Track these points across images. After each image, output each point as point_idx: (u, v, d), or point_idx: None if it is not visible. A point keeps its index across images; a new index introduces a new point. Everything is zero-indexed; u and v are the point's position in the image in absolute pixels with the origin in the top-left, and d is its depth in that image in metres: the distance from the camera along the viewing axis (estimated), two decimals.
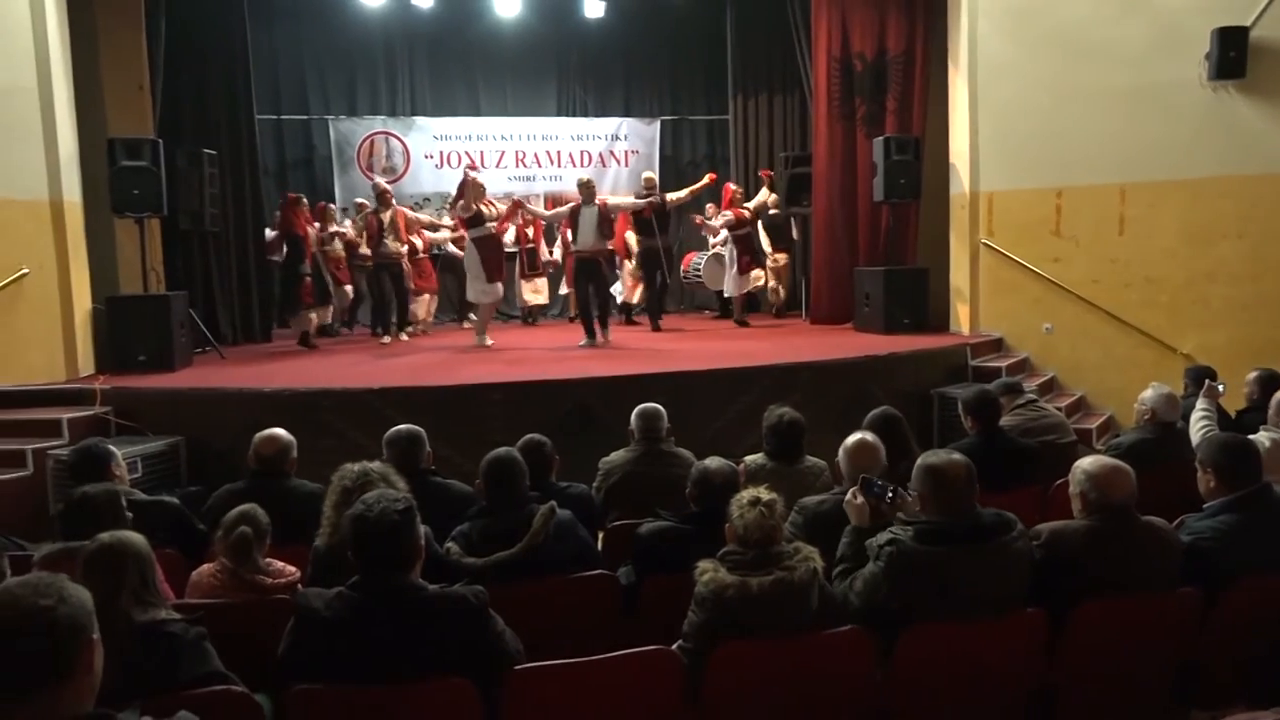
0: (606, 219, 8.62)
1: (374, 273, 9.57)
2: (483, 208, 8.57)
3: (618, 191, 12.87)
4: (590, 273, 8.49)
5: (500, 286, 8.89)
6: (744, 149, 12.00)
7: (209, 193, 8.59)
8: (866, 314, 9.05)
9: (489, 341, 8.72)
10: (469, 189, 8.45)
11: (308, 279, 9.28)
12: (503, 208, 9.14)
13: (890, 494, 2.96)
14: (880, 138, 8.99)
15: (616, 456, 4.35)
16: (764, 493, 2.75)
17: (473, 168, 10.45)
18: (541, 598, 3.06)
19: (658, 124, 13.04)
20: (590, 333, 8.57)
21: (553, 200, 12.26)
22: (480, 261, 8.53)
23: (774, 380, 6.66)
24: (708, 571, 2.67)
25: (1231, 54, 7.73)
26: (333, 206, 10.42)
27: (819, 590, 2.67)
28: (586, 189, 8.62)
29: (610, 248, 9.01)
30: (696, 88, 13.14)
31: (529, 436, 4.00)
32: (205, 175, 8.53)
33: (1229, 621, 2.90)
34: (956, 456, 2.90)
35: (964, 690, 2.73)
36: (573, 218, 8.69)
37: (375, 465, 3.17)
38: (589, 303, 8.59)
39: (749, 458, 4.15)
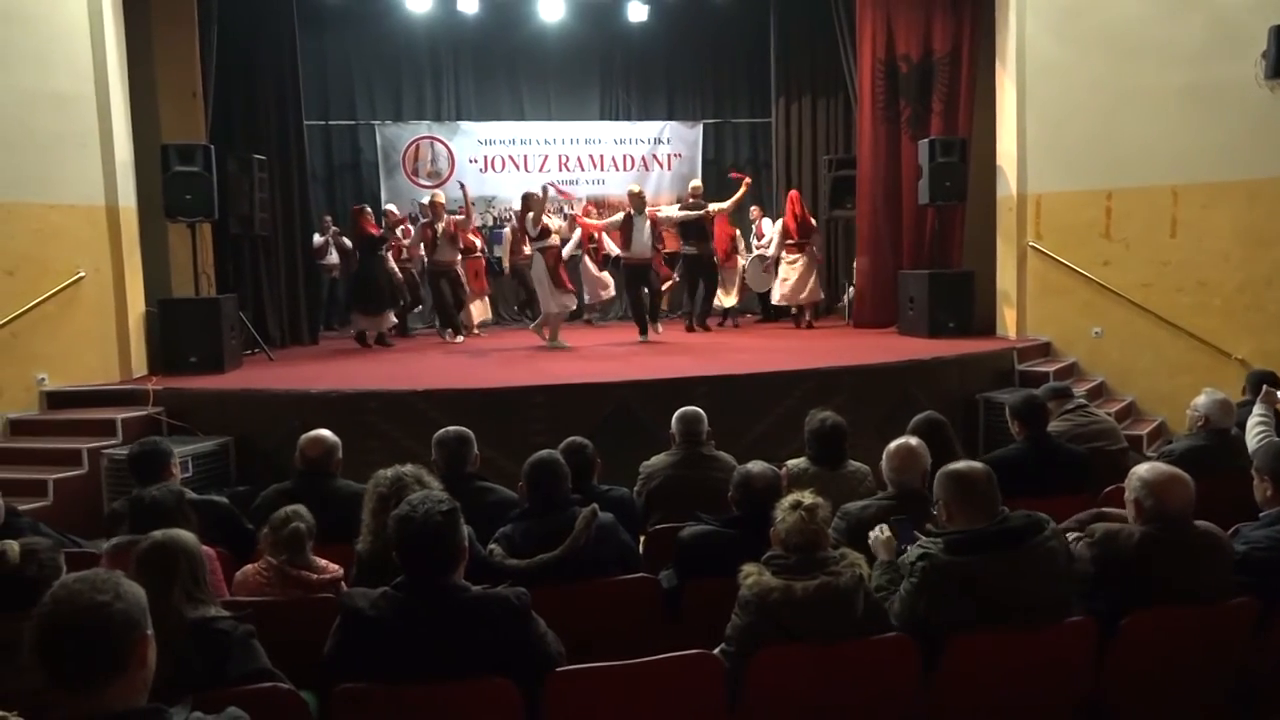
0: (656, 228, 9.06)
1: (433, 279, 9.85)
2: (546, 220, 8.85)
3: (660, 196, 12.92)
4: (642, 277, 9.09)
5: (573, 297, 9.03)
6: (787, 152, 11.94)
7: (259, 197, 8.74)
8: (910, 317, 8.96)
9: (568, 344, 8.91)
10: (534, 204, 8.68)
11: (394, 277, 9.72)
12: (560, 221, 9.39)
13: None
14: (925, 140, 8.90)
15: (657, 460, 4.35)
16: (807, 497, 2.73)
17: (558, 192, 10.62)
18: (583, 600, 3.07)
19: (700, 127, 13.03)
20: (644, 330, 9.12)
21: (593, 204, 12.33)
22: (548, 272, 8.67)
23: (816, 384, 6.62)
24: (752, 575, 2.66)
25: None
26: (394, 211, 10.60)
27: (864, 597, 2.65)
28: (638, 200, 9.03)
29: (656, 253, 9.32)
30: (739, 91, 13.11)
31: (571, 439, 4.01)
32: (255, 180, 8.67)
33: None
34: (975, 463, 2.89)
35: (1011, 702, 2.68)
36: (625, 227, 9.01)
37: (408, 468, 3.19)
38: (642, 304, 9.18)
39: (791, 462, 4.12)
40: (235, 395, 6.58)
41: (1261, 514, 3.12)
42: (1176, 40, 7.94)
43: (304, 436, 4.12)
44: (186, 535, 2.59)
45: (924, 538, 2.82)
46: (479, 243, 10.75)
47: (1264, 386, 4.83)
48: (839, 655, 2.58)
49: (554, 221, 9.08)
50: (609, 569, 3.19)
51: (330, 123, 12.12)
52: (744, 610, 2.65)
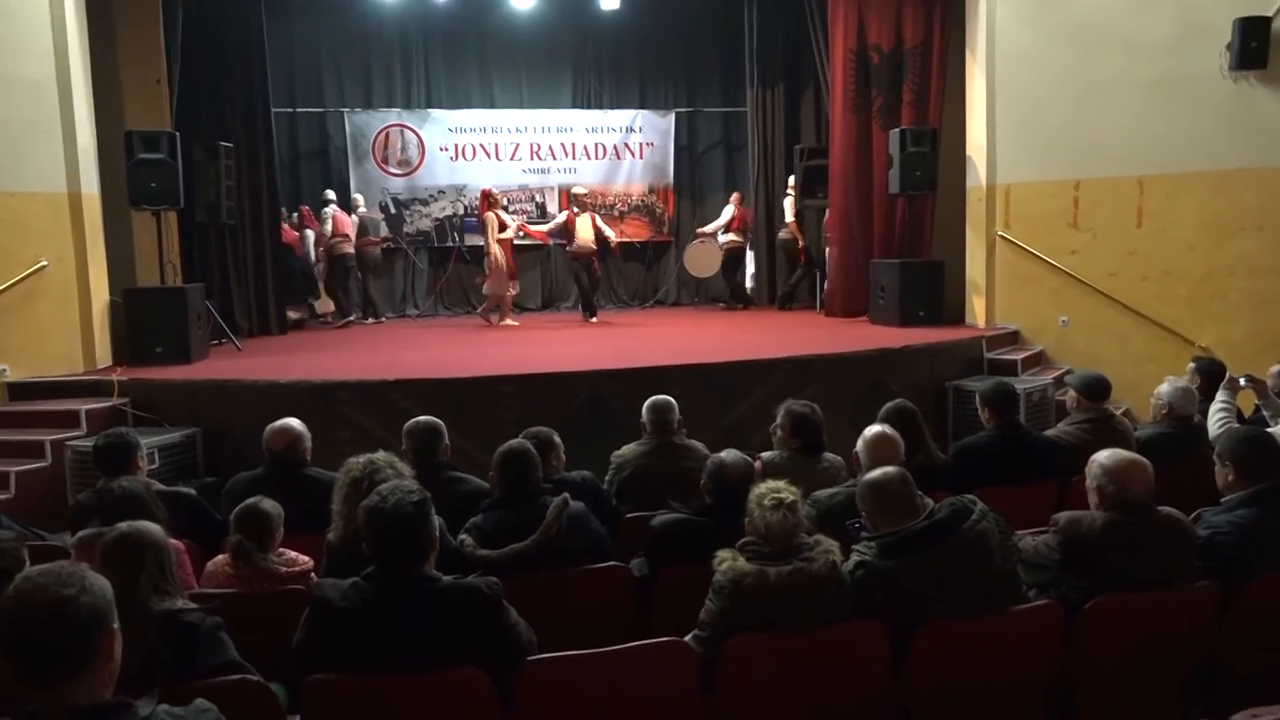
0: (598, 226, 10.42)
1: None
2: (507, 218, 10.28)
3: (632, 185, 12.93)
4: (585, 267, 10.48)
5: (516, 283, 10.57)
6: (760, 141, 11.96)
7: (225, 185, 8.62)
8: (881, 306, 9.02)
9: (516, 322, 10.38)
10: (494, 202, 10.23)
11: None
12: (511, 219, 10.61)
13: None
14: (896, 130, 8.94)
15: (628, 450, 4.35)
16: (786, 491, 2.74)
17: (527, 233, 11.20)
18: (555, 589, 3.07)
19: (673, 116, 13.01)
20: (590, 311, 10.68)
21: (566, 193, 12.38)
22: (507, 263, 10.18)
23: (788, 373, 6.65)
24: (726, 560, 2.67)
25: (1253, 44, 7.65)
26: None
27: (837, 583, 2.67)
28: (581, 200, 10.62)
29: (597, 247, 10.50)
30: (712, 80, 13.09)
31: (533, 429, 4.00)
32: (222, 168, 8.56)
33: (1246, 617, 2.87)
34: (888, 467, 2.96)
35: (981, 686, 2.71)
36: (569, 225, 10.35)
37: (380, 455, 3.18)
38: (588, 289, 10.68)
39: (766, 454, 4.13)
40: (203, 386, 6.50)
41: (1223, 499, 3.17)
42: (1144, 32, 8.03)
43: (270, 427, 4.08)
44: (153, 527, 2.56)
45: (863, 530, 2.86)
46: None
47: (1227, 374, 4.92)
48: (812, 641, 2.60)
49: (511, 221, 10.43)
50: (581, 558, 3.19)
51: (298, 110, 11.96)
52: (718, 595, 2.67)
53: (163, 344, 7.27)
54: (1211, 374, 5.08)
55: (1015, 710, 2.79)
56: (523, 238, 10.99)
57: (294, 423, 4.12)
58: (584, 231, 10.26)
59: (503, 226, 10.08)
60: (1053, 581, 2.88)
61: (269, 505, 3.26)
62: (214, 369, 7.13)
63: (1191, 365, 5.39)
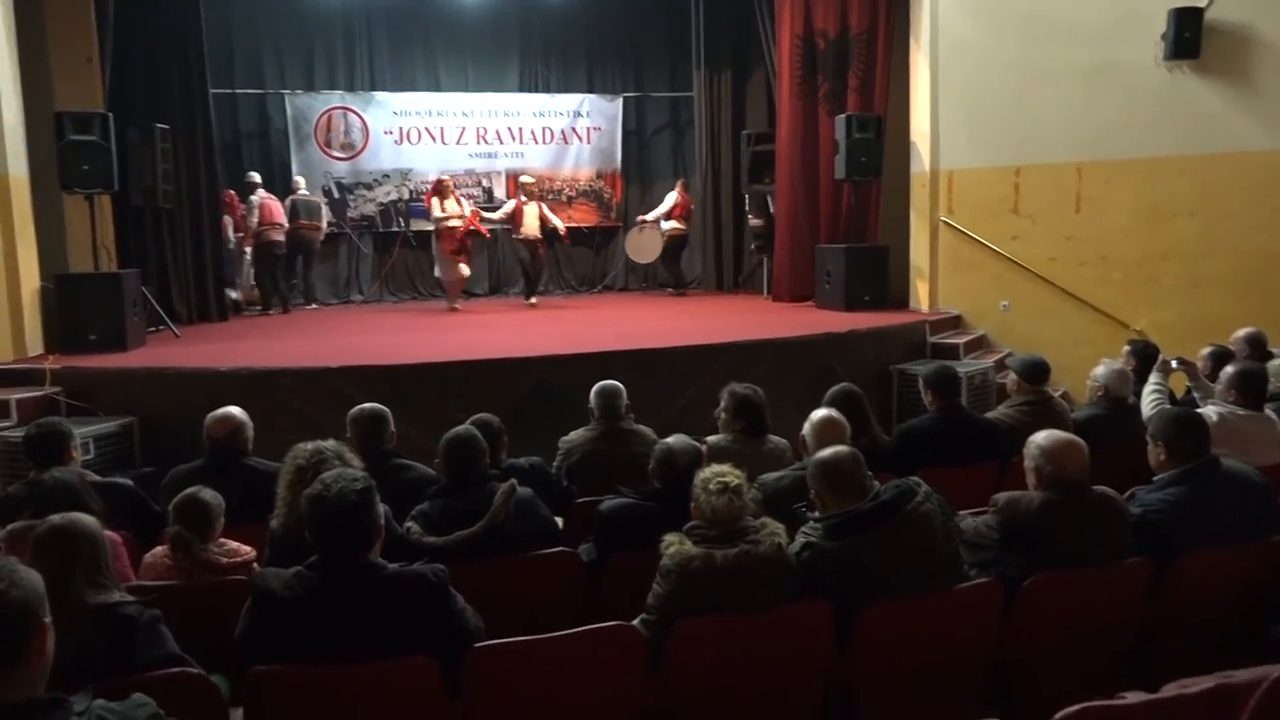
0: (544, 213, 10.60)
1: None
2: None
3: (580, 170, 12.87)
4: (530, 253, 10.71)
5: (467, 267, 10.65)
6: (707, 126, 11.97)
7: (162, 168, 8.40)
8: (828, 291, 9.11)
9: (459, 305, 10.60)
10: (444, 189, 10.32)
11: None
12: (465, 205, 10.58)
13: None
14: (842, 116, 9.01)
15: (576, 435, 4.34)
16: (731, 474, 2.76)
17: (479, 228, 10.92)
18: (504, 575, 3.07)
19: (620, 100, 12.96)
20: (529, 294, 11.02)
21: (514, 178, 12.30)
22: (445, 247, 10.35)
23: (735, 357, 6.69)
24: (673, 544, 2.69)
25: (1186, 34, 7.83)
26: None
27: (783, 565, 2.70)
28: (528, 188, 10.74)
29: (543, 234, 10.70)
30: (660, 64, 13.05)
31: (477, 416, 3.98)
32: (158, 150, 8.33)
33: (1177, 592, 2.97)
34: (839, 447, 2.97)
35: (924, 663, 2.76)
36: (517, 212, 10.48)
37: (329, 444, 3.13)
38: (532, 273, 10.98)
39: (711, 438, 4.16)
40: (139, 374, 6.35)
41: (1155, 478, 3.26)
42: (1083, 21, 8.18)
43: (210, 415, 4.00)
44: (87, 519, 2.50)
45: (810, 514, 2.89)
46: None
47: (1159, 357, 5.05)
48: (758, 623, 2.63)
49: (465, 207, 10.45)
50: (529, 544, 3.18)
51: (237, 91, 11.66)
52: (665, 579, 2.68)
53: (97, 331, 7.07)
54: (1146, 356, 5.22)
55: (957, 685, 2.85)
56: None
57: (235, 411, 4.04)
58: (530, 220, 10.45)
59: (445, 213, 10.09)
60: (993, 560, 2.94)
61: (209, 495, 3.20)
62: (151, 356, 6.96)
63: (1127, 348, 5.53)
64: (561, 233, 10.93)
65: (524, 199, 10.59)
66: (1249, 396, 4.18)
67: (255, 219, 10.31)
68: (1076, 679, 2.77)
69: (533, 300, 10.84)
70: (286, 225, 10.49)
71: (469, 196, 11.94)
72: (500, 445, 3.97)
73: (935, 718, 1.83)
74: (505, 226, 10.83)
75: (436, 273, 10.86)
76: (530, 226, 10.45)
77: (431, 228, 10.53)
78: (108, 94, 8.02)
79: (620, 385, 4.42)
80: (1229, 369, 4.37)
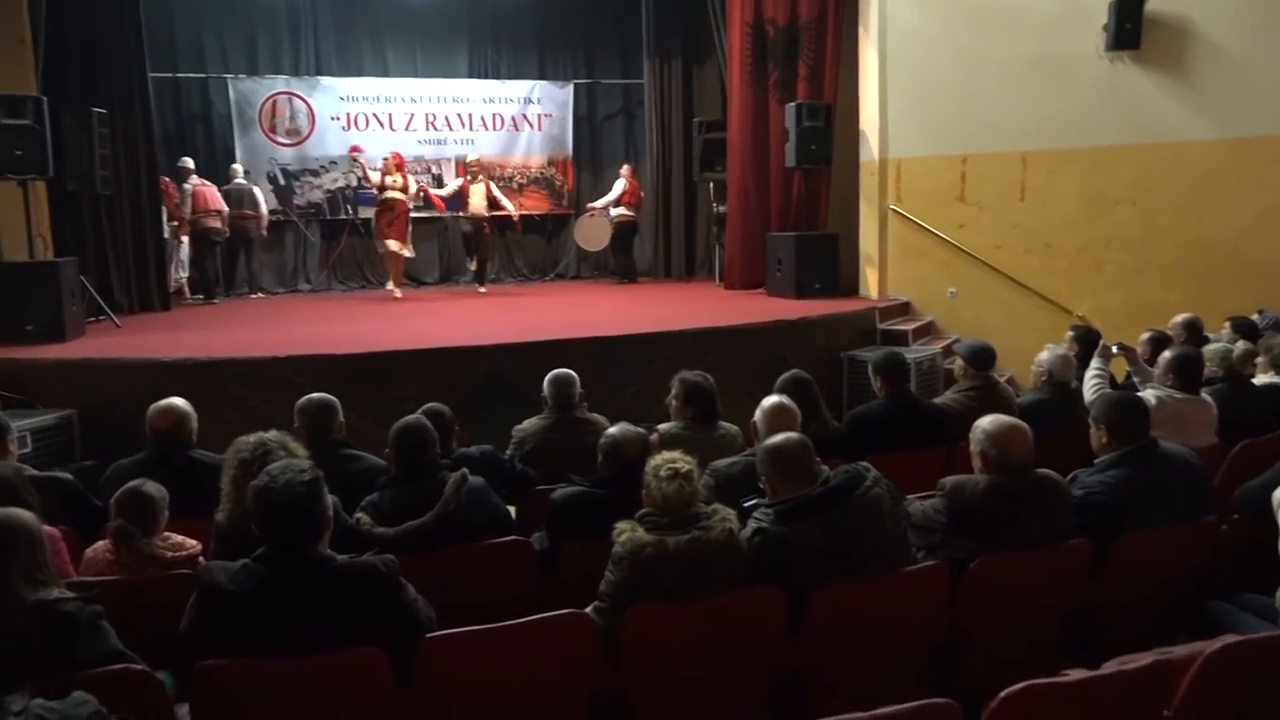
0: (492, 194, 10.59)
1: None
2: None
3: (531, 157, 12.78)
4: (475, 232, 10.67)
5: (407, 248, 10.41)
6: (658, 113, 11.96)
7: (100, 154, 8.17)
8: (778, 279, 9.16)
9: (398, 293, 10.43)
10: (386, 165, 10.19)
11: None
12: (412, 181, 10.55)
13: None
14: (792, 104, 9.05)
15: (529, 424, 4.32)
16: (682, 461, 2.77)
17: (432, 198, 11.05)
18: (456, 565, 3.05)
19: (571, 87, 12.88)
20: (476, 279, 10.98)
21: (463, 165, 12.23)
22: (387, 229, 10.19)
23: (688, 345, 6.70)
24: (625, 531, 2.69)
25: (1127, 25, 7.99)
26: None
27: (735, 550, 2.71)
28: (473, 168, 10.73)
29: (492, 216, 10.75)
30: (611, 51, 13.00)
31: (428, 405, 3.95)
32: (95, 135, 8.10)
33: (1117, 572, 3.04)
34: (789, 433, 3.01)
35: (873, 645, 2.80)
36: (463, 192, 10.53)
37: (272, 435, 3.07)
38: (477, 257, 10.93)
39: (662, 426, 4.17)
40: (79, 365, 6.18)
41: (1096, 460, 3.33)
42: (1028, 12, 8.31)
43: (153, 407, 3.91)
44: (24, 514, 2.43)
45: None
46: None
47: (1100, 342, 5.17)
48: (710, 609, 2.64)
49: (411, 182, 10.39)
50: (481, 533, 3.17)
51: (179, 75, 11.38)
52: (617, 566, 2.68)
53: (33, 321, 6.87)
54: (1088, 342, 5.33)
55: (905, 666, 2.90)
56: (424, 203, 10.98)
57: (178, 402, 3.96)
58: (476, 199, 10.47)
59: (382, 187, 10.00)
60: (941, 543, 2.99)
61: (152, 488, 3.13)
62: (91, 347, 6.79)
63: (1070, 334, 5.64)
64: (514, 217, 10.97)
65: (470, 178, 10.62)
66: (1186, 380, 4.29)
67: (189, 207, 10.11)
68: (1021, 657, 2.83)
69: (483, 289, 10.80)
70: (225, 212, 10.31)
71: (482, 170, 11.64)
72: (452, 435, 3.94)
73: (884, 697, 1.87)
74: (455, 211, 10.85)
75: (391, 246, 10.40)
76: (476, 205, 10.46)
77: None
78: (41, 76, 7.78)
79: (573, 374, 4.40)
80: (1167, 354, 4.48)
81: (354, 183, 12.05)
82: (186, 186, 10.17)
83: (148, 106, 9.20)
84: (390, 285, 10.51)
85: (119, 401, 5.75)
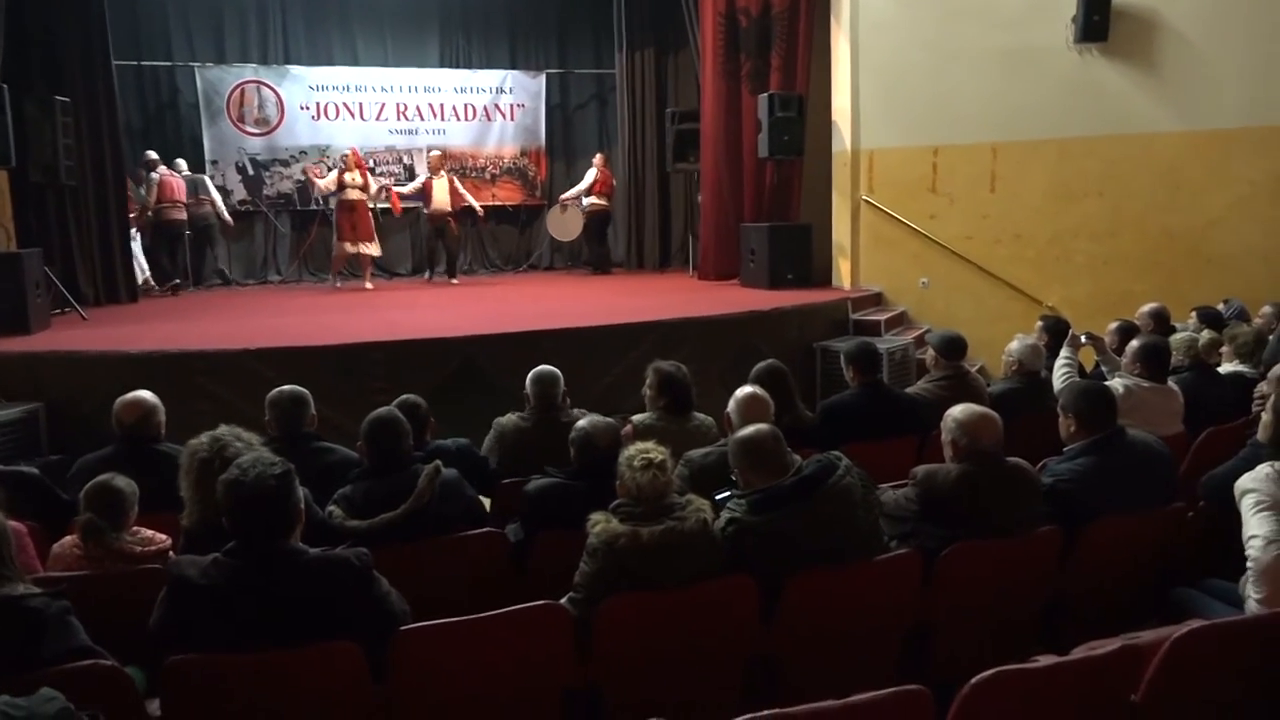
0: (455, 189, 10.59)
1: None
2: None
3: (504, 147, 12.71)
4: (441, 229, 10.67)
5: (370, 245, 10.32)
6: (629, 104, 11.93)
7: (63, 143, 8.03)
8: (752, 270, 9.18)
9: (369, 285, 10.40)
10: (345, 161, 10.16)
11: None
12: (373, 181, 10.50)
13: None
14: (764, 95, 9.06)
15: (510, 421, 4.16)
16: (655, 451, 2.77)
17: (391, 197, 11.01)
18: (430, 558, 3.04)
19: (543, 77, 12.82)
20: (431, 272, 11.14)
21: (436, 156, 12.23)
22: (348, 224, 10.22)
23: (662, 336, 6.70)
24: (599, 522, 2.70)
25: (1095, 18, 8.07)
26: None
27: (709, 540, 2.72)
28: (437, 161, 10.74)
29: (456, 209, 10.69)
30: (583, 41, 12.94)
31: (403, 397, 3.92)
32: (59, 124, 7.95)
33: (1086, 558, 3.08)
34: (760, 424, 3.01)
35: (845, 633, 2.82)
36: (427, 186, 10.53)
37: (223, 430, 3.01)
38: (435, 250, 11.10)
39: (636, 417, 4.16)
40: (44, 358, 6.09)
41: (1065, 448, 3.37)
42: (998, 4, 8.37)
43: (119, 400, 3.86)
44: None
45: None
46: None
47: (1069, 332, 5.22)
48: (684, 598, 2.65)
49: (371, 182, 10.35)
50: (455, 526, 3.15)
51: (144, 63, 11.20)
52: (592, 557, 2.68)
53: None
54: (1057, 332, 5.39)
55: (877, 653, 2.92)
56: (385, 200, 10.92)
57: (146, 394, 3.90)
58: (440, 194, 10.46)
59: (341, 185, 9.94)
60: (912, 532, 3.01)
61: (122, 482, 3.10)
62: (56, 340, 6.68)
63: (1039, 324, 5.70)
64: (478, 211, 10.96)
65: (431, 174, 10.62)
66: (1153, 369, 4.35)
67: (154, 197, 9.99)
68: (992, 644, 2.86)
69: (455, 279, 10.77)
70: (187, 202, 10.23)
71: (390, 174, 11.71)
72: (427, 427, 3.92)
73: (856, 685, 1.88)
74: (418, 204, 10.84)
75: (348, 249, 10.43)
76: (439, 201, 10.44)
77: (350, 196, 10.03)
78: (1, 65, 7.63)
79: (557, 372, 4.21)
80: (1134, 343, 4.54)
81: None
82: (154, 176, 10.05)
83: (112, 95, 9.05)
84: (365, 283, 10.38)
85: (85, 395, 5.67)
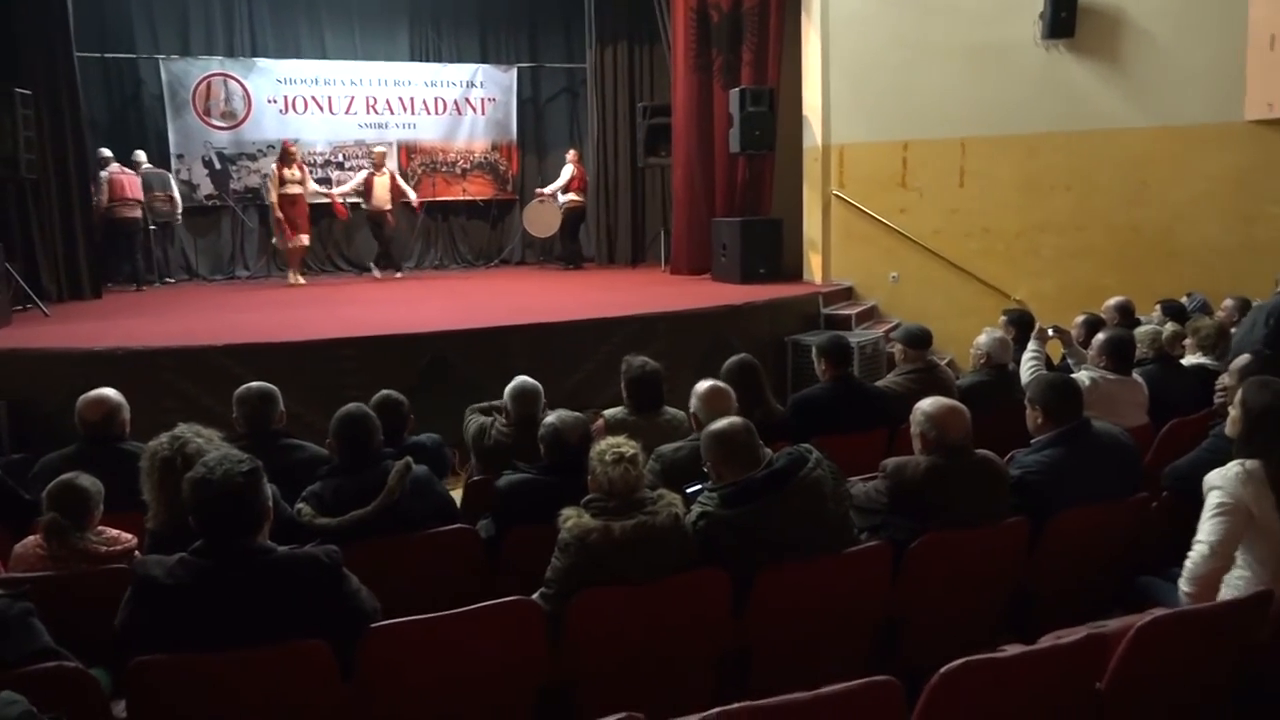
0: (396, 184, 10.72)
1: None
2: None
3: (475, 141, 12.65)
4: (378, 224, 10.82)
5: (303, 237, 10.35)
6: (602, 98, 11.90)
7: (24, 136, 7.91)
8: (724, 264, 9.20)
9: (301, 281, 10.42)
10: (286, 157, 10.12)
11: None
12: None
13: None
14: (736, 89, 9.07)
15: (492, 430, 4.03)
16: (626, 446, 2.77)
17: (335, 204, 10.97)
18: (401, 555, 3.02)
19: (514, 71, 12.76)
20: (394, 266, 11.11)
21: (405, 150, 12.23)
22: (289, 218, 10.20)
23: (634, 330, 6.71)
24: (571, 517, 2.69)
25: (1062, 14, 8.14)
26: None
27: (681, 534, 2.73)
28: (379, 158, 10.84)
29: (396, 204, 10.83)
30: (554, 34, 12.88)
31: (383, 393, 3.89)
32: (19, 117, 7.83)
33: (1052, 549, 3.12)
34: (733, 418, 3.02)
35: (816, 625, 2.84)
36: (368, 183, 10.62)
37: (182, 428, 2.97)
38: (386, 243, 11.00)
39: (608, 411, 4.16)
40: (5, 355, 5.98)
41: (1033, 440, 3.40)
42: (967, 0, 8.41)
43: (82, 398, 3.80)
44: None
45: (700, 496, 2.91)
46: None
47: (1037, 325, 5.28)
48: (656, 592, 2.65)
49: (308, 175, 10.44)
50: (426, 522, 3.14)
51: (107, 55, 11.02)
52: (564, 553, 2.68)
53: None
54: (1023, 324, 5.44)
55: (847, 645, 2.94)
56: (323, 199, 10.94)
57: (109, 392, 3.84)
58: (380, 190, 10.58)
59: (282, 181, 9.92)
60: (882, 524, 3.03)
61: (86, 481, 3.05)
62: (18, 336, 6.58)
63: (1003, 317, 5.74)
64: (415, 204, 11.09)
65: (374, 170, 10.66)
66: (1118, 362, 4.41)
67: (105, 195, 9.80)
68: (962, 634, 2.89)
69: (396, 274, 10.93)
70: (143, 201, 10.06)
71: (359, 167, 11.61)
72: (406, 423, 3.89)
73: (828, 677, 1.89)
74: (358, 199, 10.87)
75: (274, 242, 10.77)
76: (380, 198, 10.55)
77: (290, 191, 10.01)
78: None
79: (538, 386, 4.06)
80: (1100, 336, 4.60)
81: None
82: (103, 175, 9.85)
83: (75, 88, 8.92)
84: (293, 275, 10.37)
85: (48, 393, 5.59)
